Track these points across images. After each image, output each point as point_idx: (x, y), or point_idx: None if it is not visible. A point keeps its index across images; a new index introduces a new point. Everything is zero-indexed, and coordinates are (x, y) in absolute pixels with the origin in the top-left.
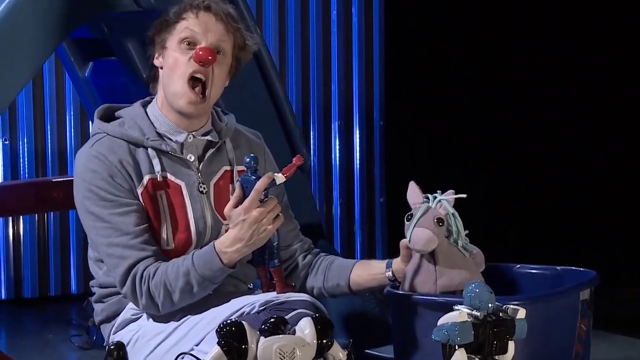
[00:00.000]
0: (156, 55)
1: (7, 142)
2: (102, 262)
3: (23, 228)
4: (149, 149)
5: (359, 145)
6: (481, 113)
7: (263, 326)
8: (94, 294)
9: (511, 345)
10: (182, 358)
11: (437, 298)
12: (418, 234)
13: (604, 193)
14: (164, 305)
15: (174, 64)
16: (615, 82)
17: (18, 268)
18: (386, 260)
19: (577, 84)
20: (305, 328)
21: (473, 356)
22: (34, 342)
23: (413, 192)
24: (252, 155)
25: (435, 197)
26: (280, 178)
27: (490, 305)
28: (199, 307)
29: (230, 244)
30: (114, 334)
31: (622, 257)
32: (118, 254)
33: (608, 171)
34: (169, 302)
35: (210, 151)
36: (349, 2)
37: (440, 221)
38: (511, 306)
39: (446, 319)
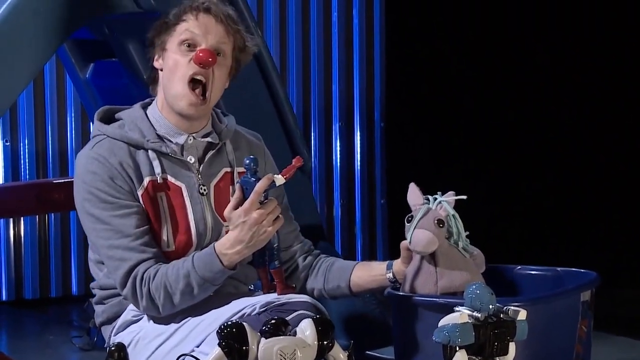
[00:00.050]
0: (156, 57)
1: (8, 144)
2: (103, 264)
3: (24, 229)
4: (149, 151)
5: (360, 147)
6: (482, 114)
7: (264, 327)
8: (94, 295)
9: (512, 346)
10: (183, 359)
11: (437, 299)
12: (418, 236)
13: (605, 194)
14: (164, 307)
15: (174, 66)
16: (615, 83)
17: (19, 269)
18: (387, 262)
19: (578, 85)
20: (306, 329)
21: (474, 357)
22: (35, 344)
23: (413, 194)
24: (251, 157)
25: (435, 199)
26: (279, 179)
27: (491, 306)
28: (199, 308)
29: (230, 245)
30: (115, 335)
31: (622, 258)
32: (118, 256)
33: (608, 172)
34: (170, 304)
35: (211, 153)
36: (349, 3)
37: (440, 222)
38: (512, 307)
39: (447, 320)
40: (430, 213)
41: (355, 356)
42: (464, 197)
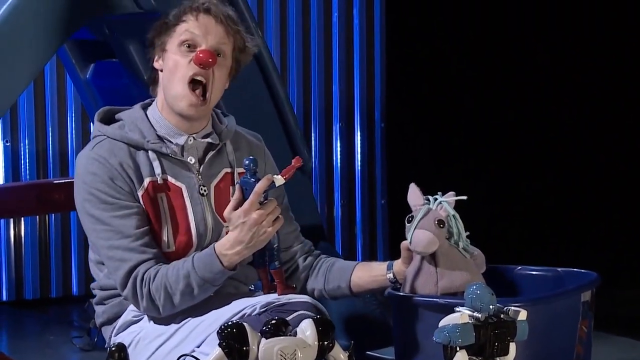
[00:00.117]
0: (156, 57)
1: (8, 144)
2: (103, 264)
3: (24, 229)
4: (150, 152)
5: (360, 147)
6: (482, 114)
7: (264, 328)
8: (95, 296)
9: (512, 346)
10: (184, 359)
11: (438, 300)
12: (419, 236)
13: (605, 194)
14: (164, 307)
15: (174, 67)
16: (616, 83)
17: (19, 269)
18: (387, 262)
19: (578, 85)
20: (307, 329)
21: (474, 358)
22: (35, 344)
23: (414, 194)
24: (251, 157)
25: (436, 199)
26: (279, 180)
27: (491, 306)
28: (200, 309)
29: (230, 246)
30: (115, 335)
31: (623, 259)
32: (118, 257)
33: (609, 172)
34: (170, 304)
35: (211, 153)
36: (350, 3)
37: (441, 223)
38: (512, 308)
39: (447, 320)
40: (431, 213)
41: (356, 356)
42: (465, 197)
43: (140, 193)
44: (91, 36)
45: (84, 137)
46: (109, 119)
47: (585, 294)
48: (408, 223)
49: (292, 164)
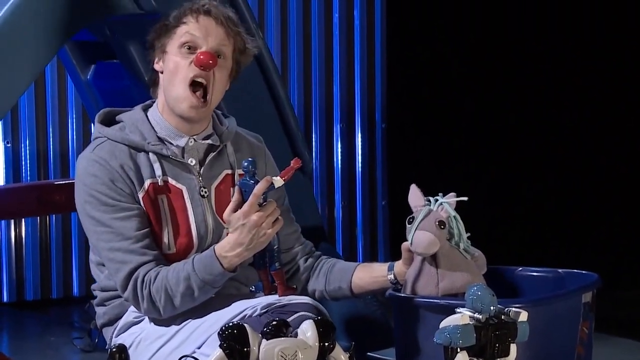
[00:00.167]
0: (156, 59)
1: (9, 145)
2: (104, 265)
3: (25, 231)
4: (150, 154)
5: (361, 148)
6: (483, 116)
7: (265, 329)
8: (95, 297)
9: (513, 348)
10: None
11: (439, 301)
12: (420, 237)
13: (606, 196)
14: (165, 309)
15: (174, 69)
16: (616, 85)
17: (20, 271)
18: (388, 263)
19: (579, 87)
20: (307, 331)
21: (475, 359)
22: (36, 345)
23: (415, 195)
24: (249, 159)
25: (436, 200)
26: (278, 181)
27: (492, 307)
28: (200, 310)
29: (230, 248)
30: (116, 336)
31: (623, 260)
32: (119, 259)
33: (610, 174)
34: (170, 306)
35: (211, 155)
36: (351, 4)
37: (441, 224)
38: (513, 309)
39: (448, 321)
40: (432, 214)
41: (357, 357)
42: (465, 198)
43: (140, 195)
44: (92, 37)
45: (85, 138)
46: (109, 121)
47: (586, 295)
48: (409, 224)
49: (291, 165)
